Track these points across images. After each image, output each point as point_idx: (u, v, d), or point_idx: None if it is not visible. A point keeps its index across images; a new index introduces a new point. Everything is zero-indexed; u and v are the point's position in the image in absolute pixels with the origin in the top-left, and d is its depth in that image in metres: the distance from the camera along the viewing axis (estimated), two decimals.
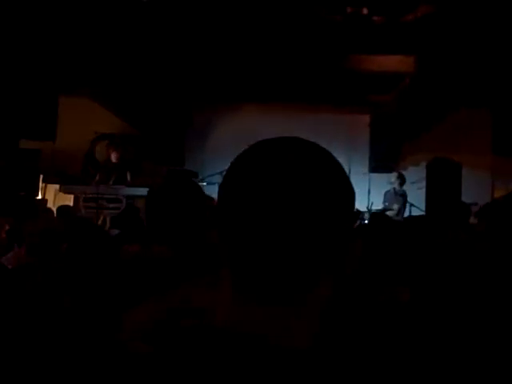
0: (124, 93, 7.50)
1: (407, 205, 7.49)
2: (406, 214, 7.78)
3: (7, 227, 3.80)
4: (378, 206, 7.62)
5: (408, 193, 7.70)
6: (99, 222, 6.66)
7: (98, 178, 7.62)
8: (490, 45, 5.90)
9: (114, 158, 7.75)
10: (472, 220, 3.67)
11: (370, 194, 7.94)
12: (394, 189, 7.66)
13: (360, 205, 6.94)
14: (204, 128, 9.63)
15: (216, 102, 9.17)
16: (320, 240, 0.65)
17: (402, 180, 7.74)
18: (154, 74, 7.36)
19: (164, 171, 8.73)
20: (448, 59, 6.23)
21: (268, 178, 0.65)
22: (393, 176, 7.76)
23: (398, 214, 7.21)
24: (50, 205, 7.53)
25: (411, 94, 7.54)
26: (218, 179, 7.76)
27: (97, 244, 2.10)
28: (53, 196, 8.46)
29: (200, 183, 7.21)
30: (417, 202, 7.62)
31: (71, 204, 7.29)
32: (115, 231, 4.20)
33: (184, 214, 1.60)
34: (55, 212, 5.81)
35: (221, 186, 0.71)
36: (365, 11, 6.63)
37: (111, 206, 7.27)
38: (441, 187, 7.03)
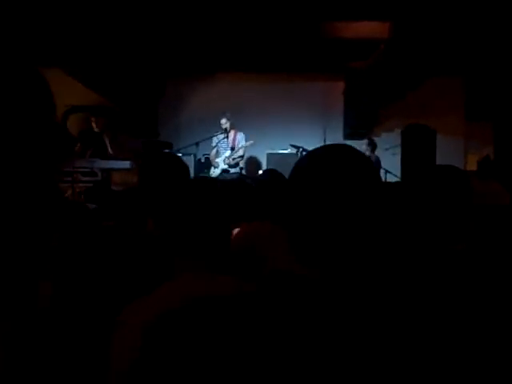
0: (95, 63, 7.23)
1: (382, 171, 7.45)
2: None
3: None
4: None
5: (382, 159, 7.64)
6: (74, 197, 6.45)
7: (77, 149, 7.25)
8: (463, 12, 5.89)
9: (95, 127, 7.43)
10: None
11: None
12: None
13: None
14: (177, 98, 9.34)
15: (189, 71, 8.92)
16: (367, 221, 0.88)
17: (372, 146, 7.58)
18: (126, 44, 7.16)
19: (138, 143, 8.62)
20: (423, 26, 6.15)
21: (329, 177, 0.90)
22: (363, 143, 7.59)
23: None
24: None
25: (386, 60, 7.35)
26: (194, 150, 7.89)
27: (82, 224, 2.01)
28: None
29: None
30: (392, 168, 7.62)
31: None
32: (92, 206, 4.02)
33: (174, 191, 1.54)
34: None
35: (293, 179, 0.94)
36: None
37: (86, 179, 6.95)
38: (416, 153, 6.90)
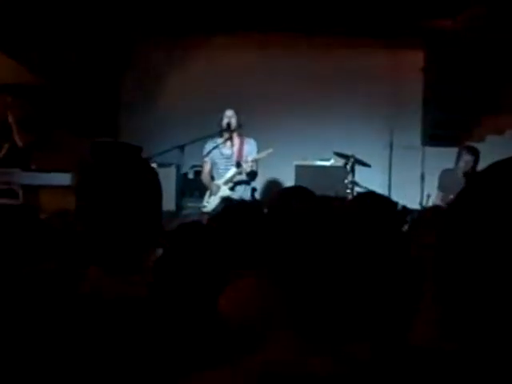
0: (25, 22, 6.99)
1: None
2: None
3: None
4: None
5: None
6: None
7: None
8: None
9: (12, 116, 7.11)
10: None
11: (423, 180, 7.29)
12: (462, 170, 6.71)
13: (409, 199, 6.26)
14: (149, 75, 8.49)
15: (167, 33, 8.24)
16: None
17: (475, 156, 6.76)
18: None
19: (86, 146, 6.18)
20: None
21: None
22: (463, 153, 6.79)
23: None
24: None
25: (493, 14, 6.74)
26: (176, 158, 6.95)
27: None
28: None
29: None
30: None
31: None
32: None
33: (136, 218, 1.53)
34: None
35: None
36: None
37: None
38: None
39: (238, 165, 6.85)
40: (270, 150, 6.73)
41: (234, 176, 6.83)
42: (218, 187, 6.85)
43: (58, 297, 1.44)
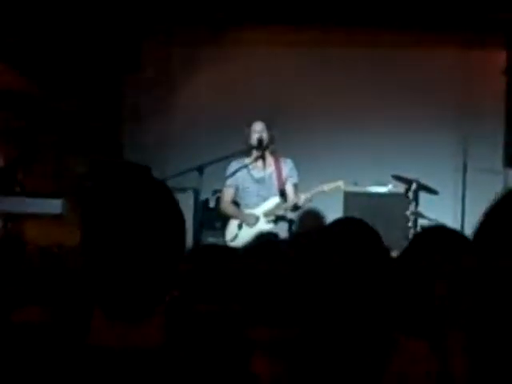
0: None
1: None
2: None
3: None
4: None
5: None
6: None
7: None
8: None
9: None
10: None
11: None
12: None
13: None
14: (160, 81, 7.97)
15: (183, 28, 7.77)
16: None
17: None
18: None
19: (83, 164, 7.28)
20: None
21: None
22: None
23: None
24: None
25: None
26: (194, 181, 6.24)
27: None
28: None
29: None
30: None
31: None
32: None
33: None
34: None
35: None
36: None
37: None
38: None
39: (282, 193, 6.44)
40: (341, 183, 6.33)
41: (276, 208, 6.36)
42: (257, 218, 6.36)
43: (60, 354, 1.37)
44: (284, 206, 6.50)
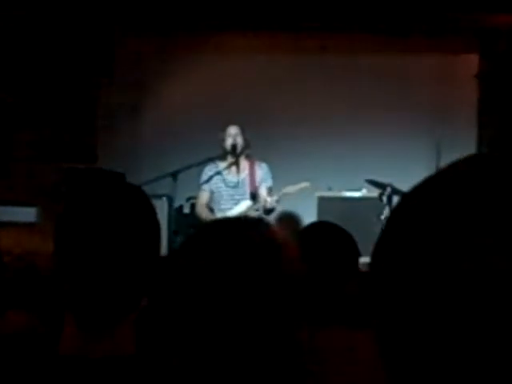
0: None
1: None
2: None
3: None
4: None
5: None
6: None
7: None
8: None
9: None
10: None
11: None
12: None
13: None
14: (133, 85, 7.94)
15: (157, 31, 7.74)
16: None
17: None
18: None
19: (57, 172, 7.23)
20: None
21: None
22: None
23: None
24: None
25: None
26: (168, 188, 6.38)
27: None
28: None
29: None
30: None
31: None
32: None
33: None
34: None
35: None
36: None
37: None
38: None
39: (254, 197, 6.42)
40: (306, 184, 6.39)
41: (247, 211, 6.37)
42: None
43: (31, 363, 1.36)
44: (254, 207, 6.48)
